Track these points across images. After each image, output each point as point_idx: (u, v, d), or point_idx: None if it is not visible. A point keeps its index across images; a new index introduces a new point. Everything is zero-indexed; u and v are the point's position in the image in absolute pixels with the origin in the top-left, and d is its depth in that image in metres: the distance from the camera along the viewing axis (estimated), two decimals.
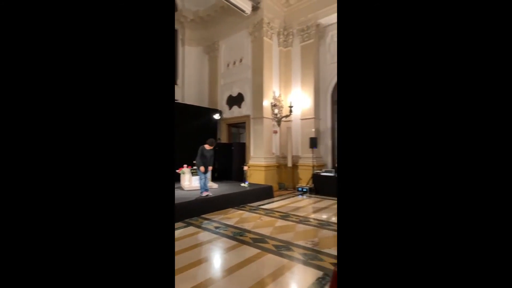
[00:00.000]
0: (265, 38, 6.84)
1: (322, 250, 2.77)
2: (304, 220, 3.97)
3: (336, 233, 3.38)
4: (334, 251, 2.76)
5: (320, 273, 2.23)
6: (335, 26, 6.91)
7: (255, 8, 6.81)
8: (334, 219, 4.07)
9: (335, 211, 4.59)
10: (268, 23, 6.90)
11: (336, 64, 6.82)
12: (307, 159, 6.93)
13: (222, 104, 7.92)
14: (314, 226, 3.71)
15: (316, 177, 6.37)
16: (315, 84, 7.01)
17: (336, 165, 6.42)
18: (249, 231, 3.43)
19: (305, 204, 5.20)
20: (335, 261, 2.48)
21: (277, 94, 7.18)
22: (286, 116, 7.09)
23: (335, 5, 6.45)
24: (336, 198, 5.63)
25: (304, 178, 6.85)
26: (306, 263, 2.45)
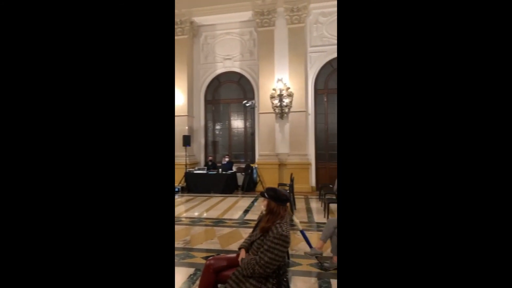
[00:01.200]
0: None
1: (194, 247, 2.79)
2: (175, 220, 3.84)
3: (207, 227, 3.52)
4: (205, 245, 2.86)
5: (191, 270, 2.24)
6: (209, 28, 7.15)
7: None
8: (205, 214, 4.21)
9: (207, 206, 4.76)
10: None
11: (209, 65, 7.15)
12: (179, 157, 6.73)
13: None
14: (186, 224, 3.67)
15: (189, 176, 6.32)
16: (189, 82, 6.94)
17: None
18: None
19: (177, 204, 5.04)
20: (206, 254, 2.56)
21: None
22: None
23: (210, 7, 6.66)
24: (208, 195, 5.86)
25: (177, 178, 6.61)
26: (177, 264, 2.38)
